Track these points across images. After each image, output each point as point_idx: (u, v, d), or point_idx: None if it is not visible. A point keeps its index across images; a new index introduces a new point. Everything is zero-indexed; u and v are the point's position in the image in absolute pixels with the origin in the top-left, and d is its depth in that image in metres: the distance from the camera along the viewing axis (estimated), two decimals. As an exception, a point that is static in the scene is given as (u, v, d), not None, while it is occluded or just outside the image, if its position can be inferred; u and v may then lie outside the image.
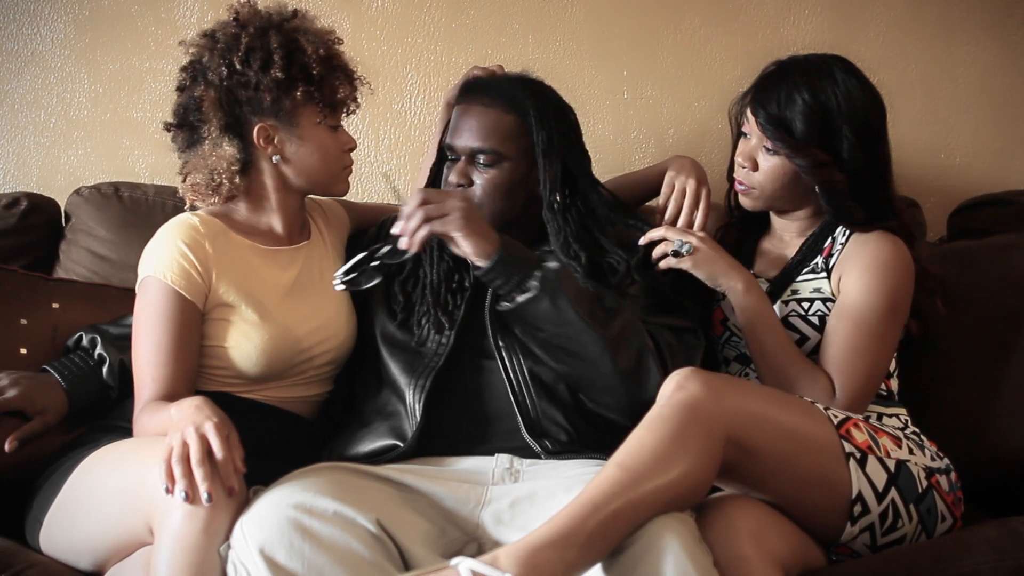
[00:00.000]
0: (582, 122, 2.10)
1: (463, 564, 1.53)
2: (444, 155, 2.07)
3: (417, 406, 1.89)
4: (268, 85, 1.95)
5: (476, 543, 1.76)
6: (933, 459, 1.90)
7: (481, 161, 1.98)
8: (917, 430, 1.99)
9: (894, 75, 2.64)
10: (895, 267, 1.99)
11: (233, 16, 2.01)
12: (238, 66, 1.95)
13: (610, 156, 2.62)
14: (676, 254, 1.99)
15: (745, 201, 2.10)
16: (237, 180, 2.00)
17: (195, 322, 1.92)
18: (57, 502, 1.84)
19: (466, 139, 1.99)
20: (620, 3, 2.67)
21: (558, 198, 1.99)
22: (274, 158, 2.00)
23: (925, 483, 1.84)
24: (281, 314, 1.97)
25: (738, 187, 2.10)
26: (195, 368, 1.93)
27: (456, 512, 1.78)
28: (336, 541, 1.59)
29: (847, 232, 2.06)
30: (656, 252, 2.01)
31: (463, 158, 2.00)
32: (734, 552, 1.66)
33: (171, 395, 1.84)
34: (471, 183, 1.98)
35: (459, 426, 1.90)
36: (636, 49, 2.69)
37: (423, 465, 1.85)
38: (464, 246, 1.81)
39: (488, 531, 1.76)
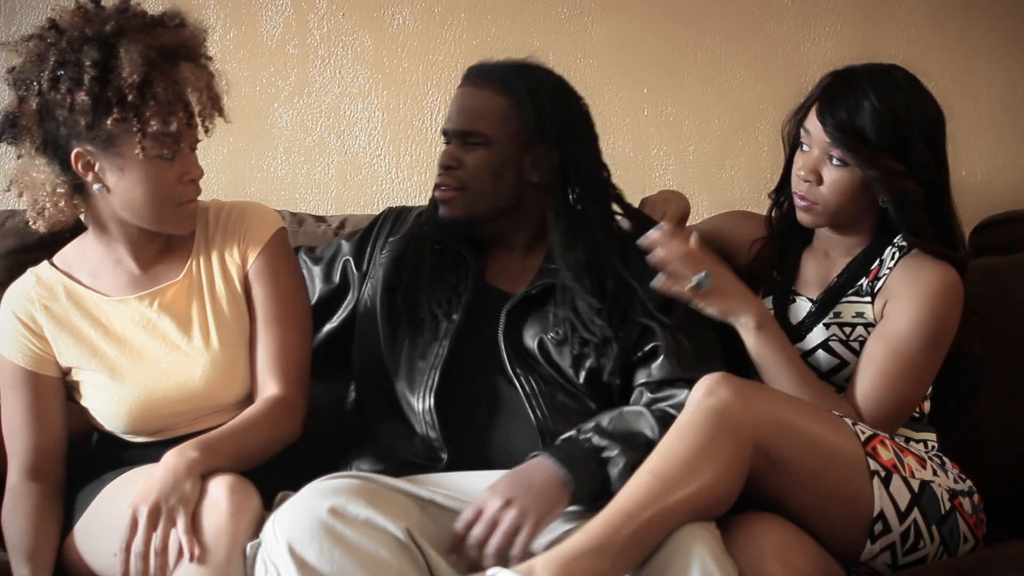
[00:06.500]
0: (602, 139, 2.08)
1: (499, 575, 1.54)
2: None
3: (430, 403, 1.88)
4: (81, 107, 1.70)
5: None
6: (956, 481, 1.89)
7: (468, 142, 1.97)
8: (940, 453, 1.97)
9: (915, 92, 2.64)
10: (944, 299, 1.93)
11: (50, 21, 1.75)
12: (46, 84, 1.72)
13: (630, 173, 2.59)
14: (699, 286, 1.87)
15: (805, 217, 2.01)
16: (63, 205, 1.80)
17: (51, 390, 1.85)
18: (82, 521, 1.81)
19: (454, 121, 2.00)
20: (640, 21, 2.68)
21: (569, 192, 1.99)
22: (95, 187, 1.78)
23: (948, 504, 1.83)
24: (135, 371, 1.83)
25: (799, 203, 2.00)
26: (60, 436, 1.85)
27: None
28: (365, 548, 1.59)
29: (895, 255, 1.99)
30: (660, 284, 1.90)
31: (454, 140, 1.99)
32: (759, 569, 1.66)
33: (35, 467, 1.82)
34: (460, 164, 1.97)
35: (478, 441, 1.90)
36: (656, 66, 2.69)
37: (450, 480, 1.82)
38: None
39: None
